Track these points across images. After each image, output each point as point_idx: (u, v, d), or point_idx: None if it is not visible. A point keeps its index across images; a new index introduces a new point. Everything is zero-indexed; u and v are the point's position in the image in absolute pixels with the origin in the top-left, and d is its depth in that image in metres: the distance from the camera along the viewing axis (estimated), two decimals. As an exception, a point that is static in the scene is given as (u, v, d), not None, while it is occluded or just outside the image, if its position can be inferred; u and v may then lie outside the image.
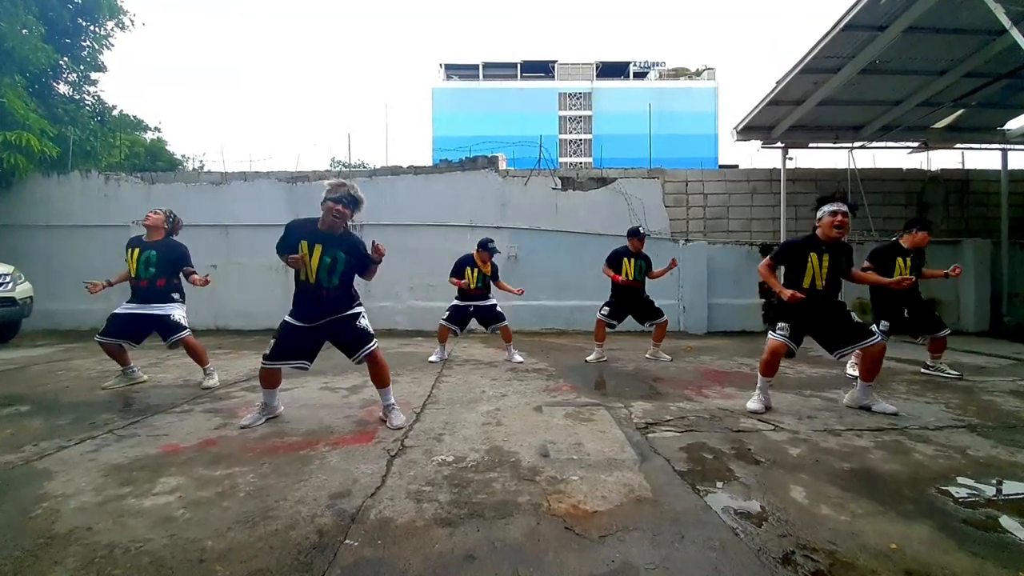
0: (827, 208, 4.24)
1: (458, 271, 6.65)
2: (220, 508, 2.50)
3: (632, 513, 2.46)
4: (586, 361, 6.64)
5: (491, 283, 6.81)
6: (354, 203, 3.74)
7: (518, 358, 6.67)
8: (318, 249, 3.70)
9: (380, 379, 3.96)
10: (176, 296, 5.29)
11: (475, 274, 6.63)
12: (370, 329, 3.98)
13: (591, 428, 3.82)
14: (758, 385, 4.38)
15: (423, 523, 2.36)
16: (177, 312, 5.25)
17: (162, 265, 5.14)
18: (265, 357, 3.82)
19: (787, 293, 4.13)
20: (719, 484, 2.82)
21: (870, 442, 3.49)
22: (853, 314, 4.28)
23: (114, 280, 5.25)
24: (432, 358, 6.69)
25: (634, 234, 6.77)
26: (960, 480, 2.87)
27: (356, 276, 3.93)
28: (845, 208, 4.20)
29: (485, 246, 6.64)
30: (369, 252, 3.72)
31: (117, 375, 5.30)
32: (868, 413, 4.17)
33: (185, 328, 5.25)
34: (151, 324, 5.15)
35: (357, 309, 3.94)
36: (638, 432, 3.73)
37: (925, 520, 2.40)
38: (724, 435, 3.66)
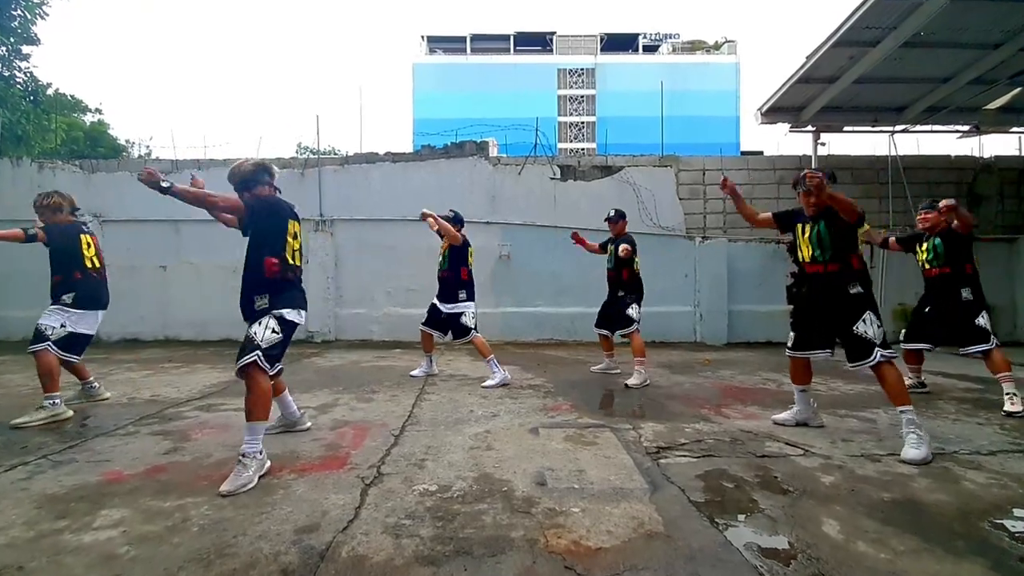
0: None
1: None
2: (170, 544, 2.49)
3: (641, 550, 2.47)
4: (591, 371, 6.76)
5: (454, 264, 6.40)
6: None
7: (493, 381, 6.30)
8: None
9: (247, 408, 3.44)
10: (67, 299, 4.95)
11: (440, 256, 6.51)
12: (257, 339, 3.49)
13: (594, 453, 3.83)
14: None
15: (402, 561, 2.36)
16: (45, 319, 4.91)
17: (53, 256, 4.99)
18: None
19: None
20: (741, 517, 2.83)
21: (913, 468, 3.51)
22: (865, 319, 3.97)
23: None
24: (414, 372, 6.67)
25: (609, 219, 6.74)
26: (1017, 512, 2.89)
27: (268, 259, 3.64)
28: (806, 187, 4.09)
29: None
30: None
31: (76, 391, 5.38)
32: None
33: (46, 340, 4.85)
34: None
35: (261, 302, 3.59)
36: (648, 457, 3.74)
37: (977, 558, 2.42)
38: (747, 461, 3.68)
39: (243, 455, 3.26)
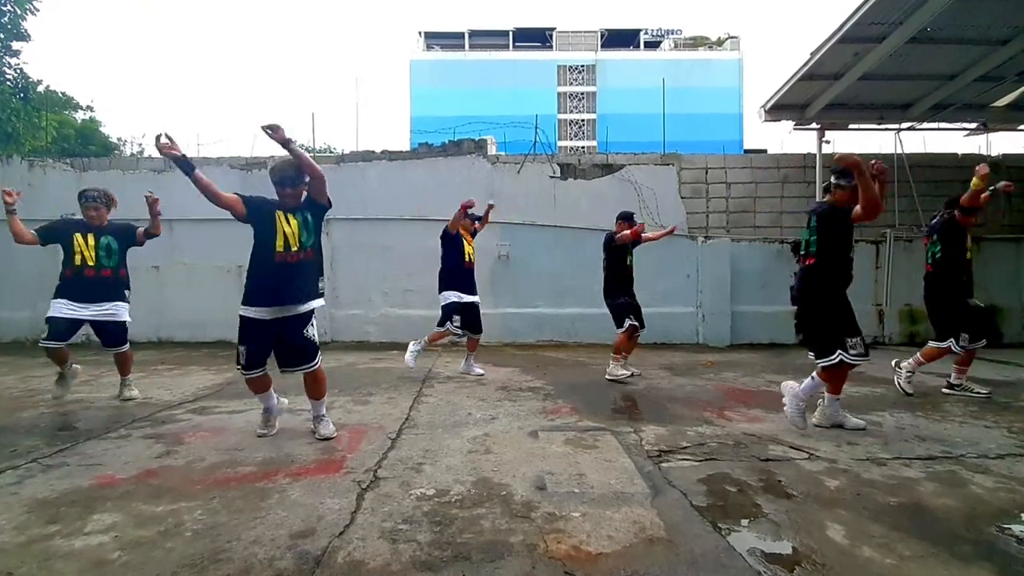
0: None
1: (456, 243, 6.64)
2: (162, 550, 2.49)
3: (643, 555, 2.47)
4: (619, 380, 6.45)
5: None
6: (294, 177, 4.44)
7: (478, 370, 6.81)
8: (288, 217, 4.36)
9: (316, 392, 4.38)
10: (127, 292, 5.55)
11: (470, 247, 6.71)
12: (316, 340, 4.34)
13: (595, 456, 3.82)
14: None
15: (399, 567, 2.36)
16: (126, 313, 5.49)
17: (122, 252, 5.61)
18: (243, 369, 4.18)
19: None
20: (744, 521, 2.83)
21: (920, 472, 3.51)
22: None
23: None
24: (409, 361, 6.53)
25: (626, 218, 6.78)
26: (1024, 517, 2.89)
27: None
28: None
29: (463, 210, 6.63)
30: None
31: (58, 381, 5.35)
32: (918, 440, 4.20)
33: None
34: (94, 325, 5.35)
35: (316, 302, 4.33)
36: (650, 461, 3.74)
37: (984, 563, 2.42)
38: (750, 464, 3.68)
39: (323, 416, 4.34)
